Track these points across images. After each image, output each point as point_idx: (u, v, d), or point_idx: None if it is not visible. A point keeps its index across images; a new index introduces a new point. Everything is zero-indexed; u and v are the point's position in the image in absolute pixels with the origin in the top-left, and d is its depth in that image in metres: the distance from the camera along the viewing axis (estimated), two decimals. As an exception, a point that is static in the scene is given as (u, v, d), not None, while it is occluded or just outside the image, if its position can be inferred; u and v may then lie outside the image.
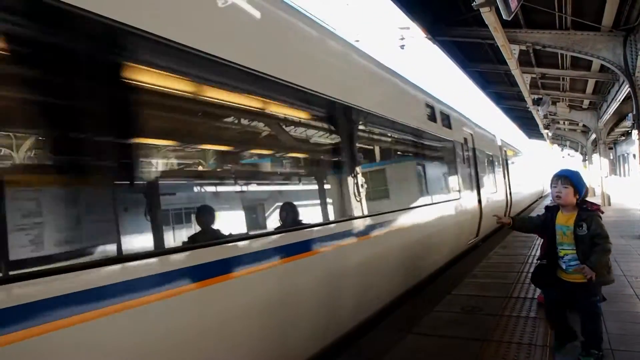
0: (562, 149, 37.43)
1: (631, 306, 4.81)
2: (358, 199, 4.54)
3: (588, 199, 4.76)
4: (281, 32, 3.89)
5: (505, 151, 15.12)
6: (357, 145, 4.91)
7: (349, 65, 5.14)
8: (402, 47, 13.78)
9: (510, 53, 9.86)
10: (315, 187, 4.36)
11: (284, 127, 3.95)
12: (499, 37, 8.70)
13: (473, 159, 10.08)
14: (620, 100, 12.66)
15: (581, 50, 9.83)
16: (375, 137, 5.71)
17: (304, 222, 3.81)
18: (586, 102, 18.08)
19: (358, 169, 4.68)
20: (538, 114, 17.40)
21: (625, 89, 10.77)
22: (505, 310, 4.88)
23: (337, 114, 4.50)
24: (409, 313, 5.19)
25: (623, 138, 24.48)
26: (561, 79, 15.23)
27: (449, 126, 8.65)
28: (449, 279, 6.93)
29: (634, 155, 12.97)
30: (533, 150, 32.73)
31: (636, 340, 3.82)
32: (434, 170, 7.66)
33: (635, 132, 10.05)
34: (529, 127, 27.20)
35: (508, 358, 3.61)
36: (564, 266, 3.42)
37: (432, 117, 7.64)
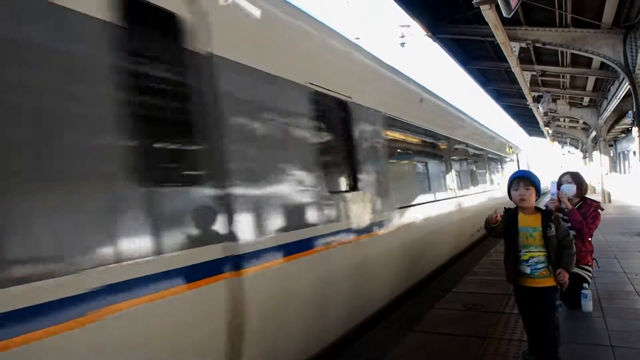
0: (563, 147, 37.44)
1: (632, 303, 4.82)
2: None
3: (587, 196, 4.83)
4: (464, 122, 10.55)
5: (527, 156, 22.68)
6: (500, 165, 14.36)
7: (494, 139, 14.11)
8: (402, 44, 13.78)
9: (511, 51, 9.86)
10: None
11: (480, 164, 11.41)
12: (499, 35, 8.70)
13: (517, 162, 18.12)
14: (621, 97, 12.66)
15: (581, 47, 9.84)
16: (502, 162, 14.88)
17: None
18: (586, 100, 18.07)
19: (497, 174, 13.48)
20: (538, 111, 17.41)
21: (625, 86, 10.77)
22: (506, 307, 4.89)
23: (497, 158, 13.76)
24: (410, 311, 5.21)
25: (623, 135, 24.46)
26: (561, 76, 15.23)
27: (512, 150, 17.49)
28: (450, 276, 6.95)
29: (634, 153, 13.01)
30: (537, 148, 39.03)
31: (637, 337, 3.82)
32: (509, 170, 15.26)
33: (635, 130, 10.07)
34: (530, 124, 27.21)
35: (509, 355, 3.62)
36: (528, 270, 3.13)
37: (507, 147, 16.42)
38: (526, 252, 3.15)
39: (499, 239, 3.48)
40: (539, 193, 3.24)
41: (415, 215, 5.98)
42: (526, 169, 20.02)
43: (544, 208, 3.48)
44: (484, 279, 6.36)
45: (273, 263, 3.04)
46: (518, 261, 3.16)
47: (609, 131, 20.35)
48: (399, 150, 6.08)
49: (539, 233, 3.13)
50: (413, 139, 6.69)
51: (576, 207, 4.54)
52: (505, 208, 3.36)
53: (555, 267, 3.07)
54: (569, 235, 3.19)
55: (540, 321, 3.15)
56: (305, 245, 3.44)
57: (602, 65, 12.03)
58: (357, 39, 12.52)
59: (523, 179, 3.23)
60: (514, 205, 3.34)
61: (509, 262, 3.25)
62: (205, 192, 2.60)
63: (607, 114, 16.04)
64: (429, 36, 10.92)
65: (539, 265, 3.12)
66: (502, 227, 3.22)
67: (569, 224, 4.39)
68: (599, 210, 4.54)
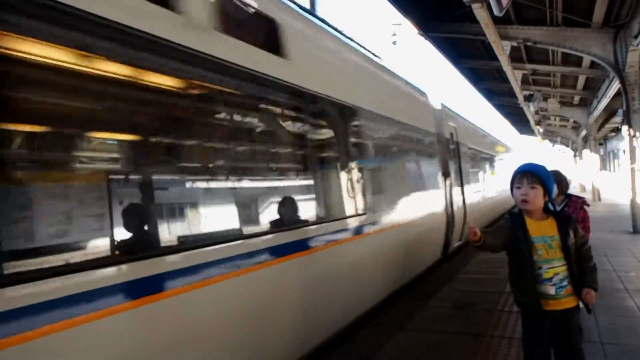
0: (553, 145, 37.79)
1: (621, 300, 4.86)
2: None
3: (579, 194, 4.84)
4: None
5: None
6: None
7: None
8: (394, 43, 13.79)
9: (502, 49, 9.90)
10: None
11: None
12: (491, 34, 8.72)
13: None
14: (611, 96, 12.76)
15: (572, 46, 9.89)
16: None
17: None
18: (577, 99, 18.22)
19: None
20: (529, 110, 17.52)
21: (615, 85, 10.86)
22: (498, 305, 4.90)
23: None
24: (402, 309, 5.20)
25: (613, 134, 24.71)
26: (552, 75, 15.33)
27: (507, 149, 18.76)
28: (443, 274, 6.96)
29: (624, 151, 13.15)
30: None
31: (626, 334, 3.86)
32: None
33: (625, 128, 10.15)
34: (521, 123, 27.40)
35: (500, 353, 3.62)
36: (552, 291, 2.46)
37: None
38: (549, 268, 2.48)
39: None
40: (549, 193, 2.59)
41: None
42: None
43: (554, 209, 2.84)
44: (476, 277, 6.38)
45: None
46: (538, 280, 2.48)
47: (599, 130, 20.54)
48: None
49: (558, 242, 2.50)
50: None
51: (562, 204, 4.53)
52: (509, 213, 2.74)
53: (579, 284, 2.48)
54: (587, 242, 2.64)
55: (567, 351, 2.53)
56: None
57: (593, 64, 12.11)
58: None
59: (528, 175, 2.57)
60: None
61: (524, 282, 2.52)
62: None
63: (597, 112, 16.17)
64: (420, 34, 10.93)
65: (564, 283, 2.48)
66: (497, 240, 2.58)
67: None
68: (585, 207, 4.52)
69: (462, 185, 9.20)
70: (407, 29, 12.50)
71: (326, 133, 4.48)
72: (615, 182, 22.12)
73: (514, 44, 10.29)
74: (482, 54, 13.16)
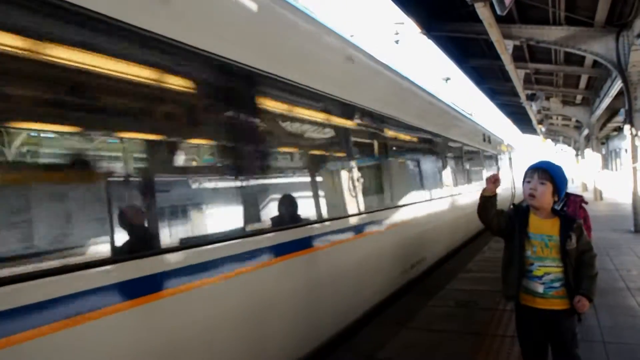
0: (556, 144, 37.73)
1: (623, 299, 4.86)
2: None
3: (580, 193, 4.82)
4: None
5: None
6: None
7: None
8: (396, 42, 13.78)
9: (504, 48, 9.89)
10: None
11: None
12: (494, 33, 8.72)
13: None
14: (613, 95, 12.73)
15: (574, 45, 9.88)
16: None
17: None
18: (579, 98, 18.18)
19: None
20: (532, 109, 17.50)
21: (618, 84, 10.83)
22: (500, 304, 4.90)
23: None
24: (404, 308, 5.21)
25: (615, 133, 24.66)
26: (554, 74, 15.30)
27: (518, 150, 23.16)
28: (444, 273, 6.97)
29: (626, 150, 13.14)
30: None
31: (627, 333, 3.87)
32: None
33: (627, 127, 10.13)
34: (523, 122, 27.36)
35: (502, 352, 3.64)
36: (540, 289, 2.44)
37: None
38: (540, 266, 2.46)
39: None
40: (559, 192, 2.53)
41: None
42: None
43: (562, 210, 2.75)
44: (478, 276, 6.39)
45: None
46: (525, 275, 2.48)
47: (601, 129, 20.51)
48: None
49: (556, 243, 2.45)
50: None
51: (561, 203, 4.52)
52: (513, 204, 2.72)
53: (573, 290, 2.40)
54: (591, 249, 2.52)
55: (562, 355, 2.48)
56: None
57: (595, 64, 12.08)
58: (351, 36, 12.48)
59: (539, 171, 2.52)
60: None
61: (511, 274, 2.53)
62: None
63: (599, 112, 16.14)
64: (423, 33, 10.91)
65: (556, 284, 2.44)
66: (498, 217, 2.57)
67: None
68: (584, 205, 4.50)
69: (513, 177, 16.98)
70: (410, 28, 12.48)
71: (493, 165, 14.52)
72: (617, 181, 22.08)
73: (517, 43, 10.28)
74: (485, 53, 13.15)
